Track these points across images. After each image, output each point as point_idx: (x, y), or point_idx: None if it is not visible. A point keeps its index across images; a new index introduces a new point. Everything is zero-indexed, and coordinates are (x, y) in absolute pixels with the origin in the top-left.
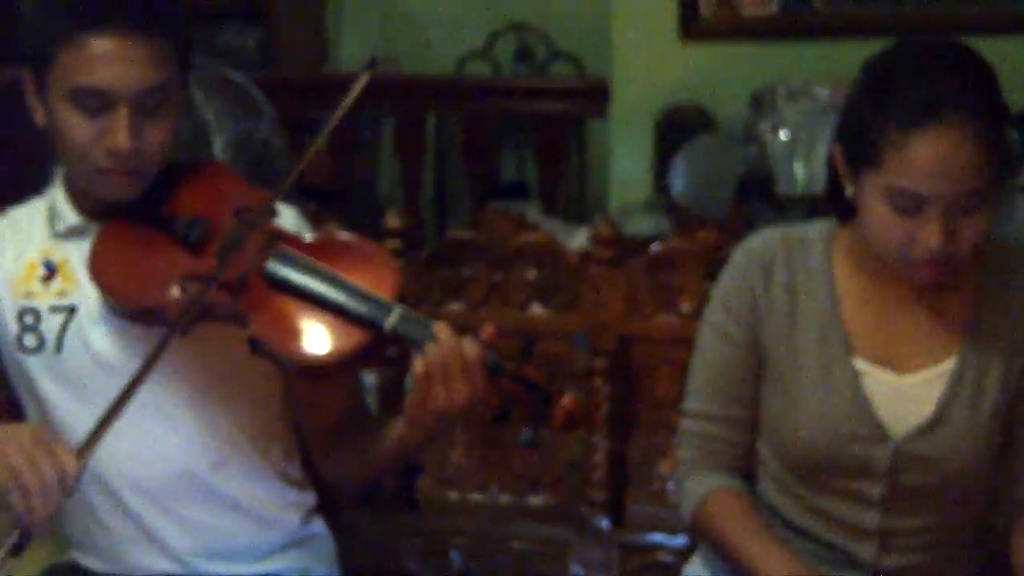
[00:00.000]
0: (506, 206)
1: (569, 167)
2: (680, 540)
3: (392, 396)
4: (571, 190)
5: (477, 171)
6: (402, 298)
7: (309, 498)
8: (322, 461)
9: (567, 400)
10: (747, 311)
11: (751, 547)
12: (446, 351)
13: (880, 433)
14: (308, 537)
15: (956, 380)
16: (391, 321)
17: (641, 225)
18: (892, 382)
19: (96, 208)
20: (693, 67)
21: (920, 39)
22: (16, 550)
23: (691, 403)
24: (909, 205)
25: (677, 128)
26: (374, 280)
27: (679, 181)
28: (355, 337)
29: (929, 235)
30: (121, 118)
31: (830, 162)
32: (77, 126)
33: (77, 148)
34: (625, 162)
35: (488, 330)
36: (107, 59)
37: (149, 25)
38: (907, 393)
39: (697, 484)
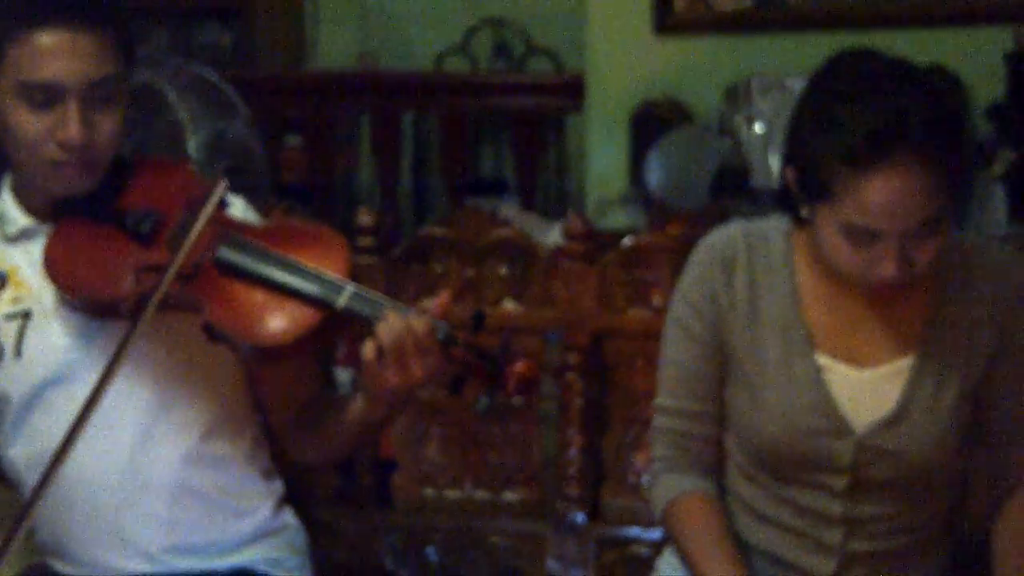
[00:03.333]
0: (483, 202)
1: (548, 162)
2: (656, 533)
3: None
4: (550, 185)
5: (455, 167)
6: (353, 277)
7: (278, 487)
8: (290, 444)
9: (520, 366)
10: (709, 307)
11: (704, 560)
12: (398, 331)
13: (842, 427)
14: (279, 527)
15: (917, 374)
16: (343, 300)
17: (618, 219)
18: (854, 377)
19: (46, 208)
20: (667, 61)
21: (863, 52)
22: None
23: (661, 399)
24: (864, 238)
25: (652, 122)
26: (325, 260)
27: (655, 175)
28: (308, 317)
29: (885, 264)
30: (71, 110)
31: (782, 178)
32: (27, 121)
33: (28, 143)
34: (601, 157)
35: (443, 298)
36: (54, 53)
37: (94, 18)
38: (868, 388)
39: (668, 485)
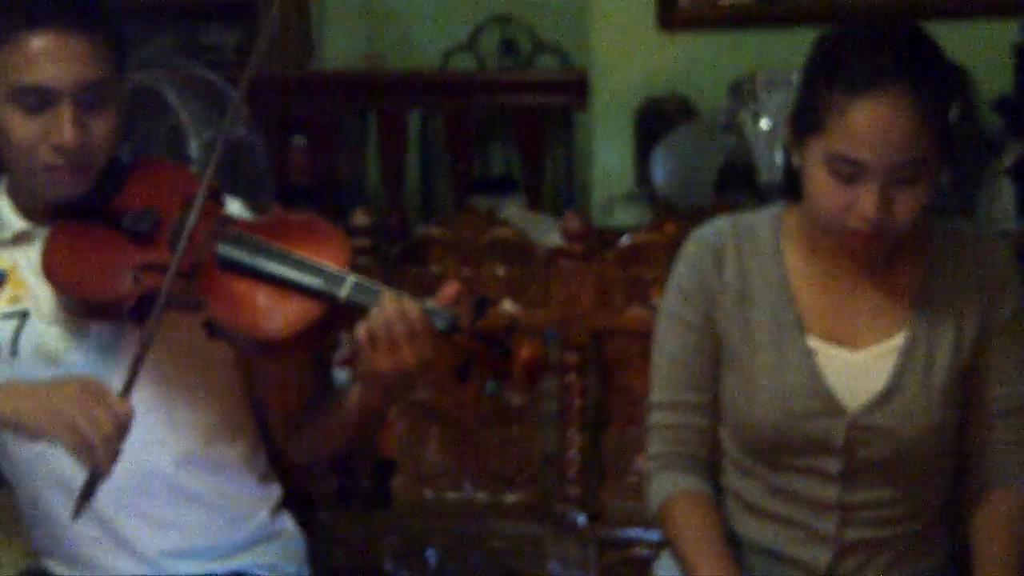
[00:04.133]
0: (489, 201)
1: (556, 160)
2: (656, 534)
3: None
4: (559, 183)
5: (462, 166)
6: (354, 268)
7: (276, 492)
8: (289, 443)
9: (525, 351)
10: (701, 297)
11: (697, 560)
12: (389, 313)
13: (834, 408)
14: (277, 532)
15: (907, 353)
16: (345, 291)
17: (624, 217)
18: (845, 358)
19: (42, 211)
20: (672, 57)
21: (873, 19)
22: (87, 493)
23: (657, 395)
24: (848, 172)
25: (658, 119)
26: (325, 252)
27: (660, 172)
28: (311, 310)
29: (865, 203)
30: (64, 113)
31: (785, 142)
32: (21, 126)
33: (22, 147)
34: (607, 154)
35: (449, 291)
36: (46, 56)
37: (85, 21)
38: (860, 368)
39: (663, 484)
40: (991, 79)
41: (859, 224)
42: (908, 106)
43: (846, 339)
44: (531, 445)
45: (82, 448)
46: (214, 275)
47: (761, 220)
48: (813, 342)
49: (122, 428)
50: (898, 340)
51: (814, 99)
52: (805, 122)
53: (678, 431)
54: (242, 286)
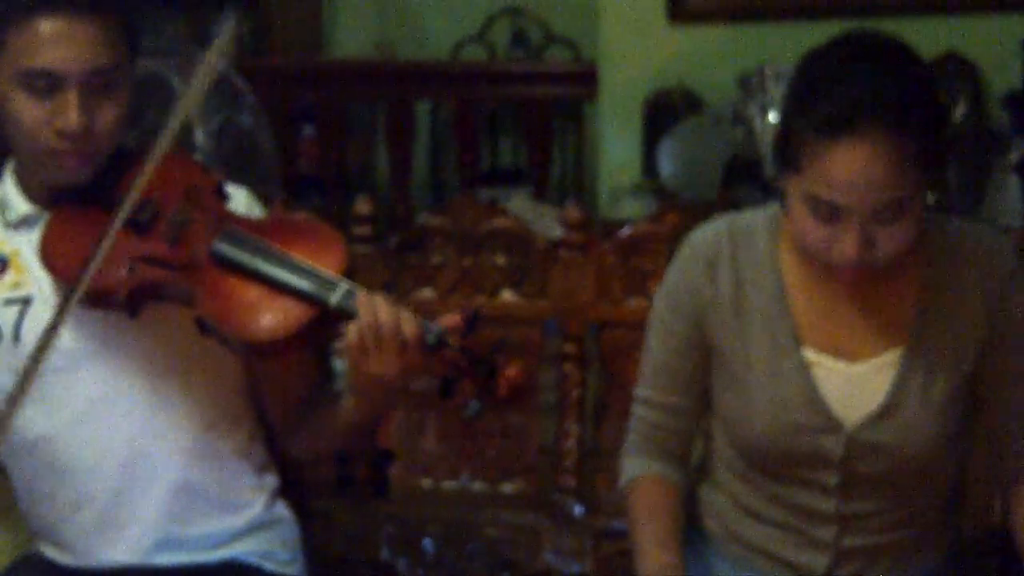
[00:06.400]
0: (496, 192)
1: (566, 151)
2: None
3: None
4: (568, 175)
5: (470, 157)
6: (350, 275)
7: (273, 481)
8: (287, 439)
9: (511, 371)
10: (691, 308)
11: (643, 540)
12: (382, 316)
13: (832, 423)
14: (272, 520)
15: (906, 367)
16: (336, 298)
17: (631, 209)
18: (842, 371)
19: (47, 195)
20: (681, 50)
21: (858, 34)
22: None
23: (642, 390)
24: (827, 212)
25: (666, 111)
26: (321, 256)
27: (667, 164)
28: (301, 314)
29: (845, 244)
30: (71, 98)
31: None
32: (27, 108)
33: (28, 130)
34: (615, 145)
35: (452, 320)
36: (56, 40)
37: (97, 7)
38: (857, 382)
39: (631, 466)
40: (999, 74)
41: (841, 261)
42: (887, 148)
43: (844, 351)
44: (528, 435)
45: None
46: (208, 271)
47: (759, 223)
48: (809, 354)
49: None
50: (897, 352)
51: (790, 136)
52: (782, 158)
53: (658, 429)
54: (235, 284)
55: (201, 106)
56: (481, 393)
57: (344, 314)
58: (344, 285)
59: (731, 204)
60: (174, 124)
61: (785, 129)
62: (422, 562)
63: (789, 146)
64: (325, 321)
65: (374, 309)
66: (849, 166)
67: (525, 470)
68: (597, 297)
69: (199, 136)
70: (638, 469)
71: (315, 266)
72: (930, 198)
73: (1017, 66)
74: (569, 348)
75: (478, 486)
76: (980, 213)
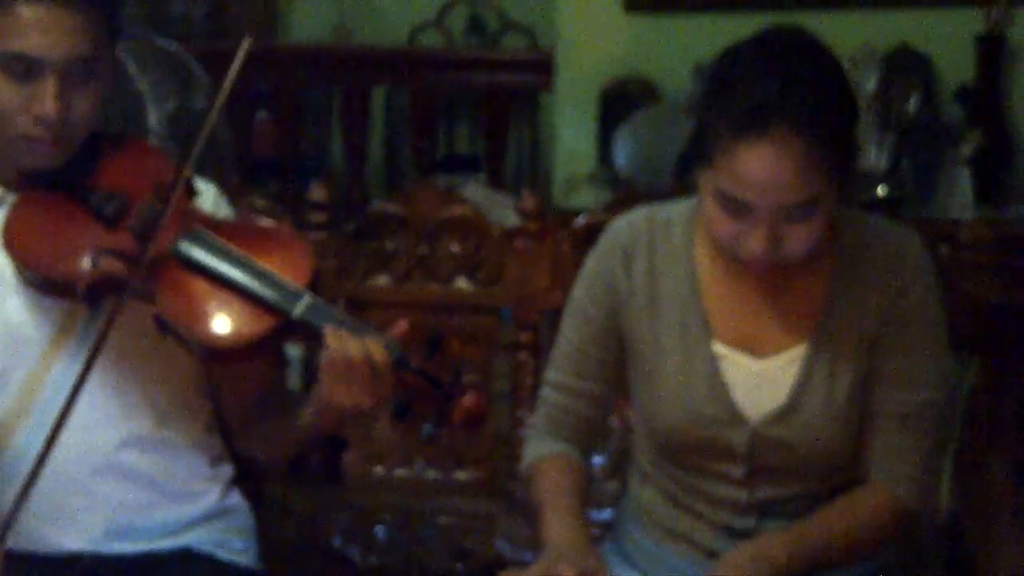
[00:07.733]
0: (451, 179)
1: (521, 140)
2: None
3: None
4: (523, 163)
5: (426, 143)
6: (315, 286)
7: (228, 470)
8: (238, 439)
9: (468, 400)
10: (607, 295)
11: (548, 515)
12: (353, 352)
13: (737, 418)
14: (226, 509)
15: (808, 365)
16: (298, 310)
17: (586, 198)
18: (749, 366)
19: (15, 178)
20: (637, 39)
21: (776, 31)
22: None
23: (551, 373)
24: (736, 209)
25: (622, 100)
26: (287, 266)
27: (623, 154)
28: (261, 322)
29: (753, 240)
30: (49, 85)
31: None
32: (4, 91)
33: (3, 114)
34: (570, 134)
35: (400, 328)
36: (37, 26)
37: None
38: (763, 377)
39: (532, 450)
40: (952, 68)
41: (749, 256)
42: (796, 150)
43: (752, 346)
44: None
45: None
46: (171, 270)
47: (678, 214)
48: (719, 348)
49: None
50: (801, 349)
51: (704, 131)
52: (697, 151)
53: (566, 413)
54: (197, 286)
55: (154, 89)
56: (436, 418)
57: (306, 327)
58: (308, 298)
59: (685, 194)
60: (195, 150)
61: (700, 123)
62: (375, 549)
63: (703, 140)
64: (286, 332)
65: (343, 343)
66: (758, 166)
67: (479, 458)
68: (552, 286)
69: (152, 118)
70: (539, 450)
71: (281, 276)
72: (882, 191)
73: (970, 60)
74: (523, 337)
75: (431, 474)
76: (932, 206)
